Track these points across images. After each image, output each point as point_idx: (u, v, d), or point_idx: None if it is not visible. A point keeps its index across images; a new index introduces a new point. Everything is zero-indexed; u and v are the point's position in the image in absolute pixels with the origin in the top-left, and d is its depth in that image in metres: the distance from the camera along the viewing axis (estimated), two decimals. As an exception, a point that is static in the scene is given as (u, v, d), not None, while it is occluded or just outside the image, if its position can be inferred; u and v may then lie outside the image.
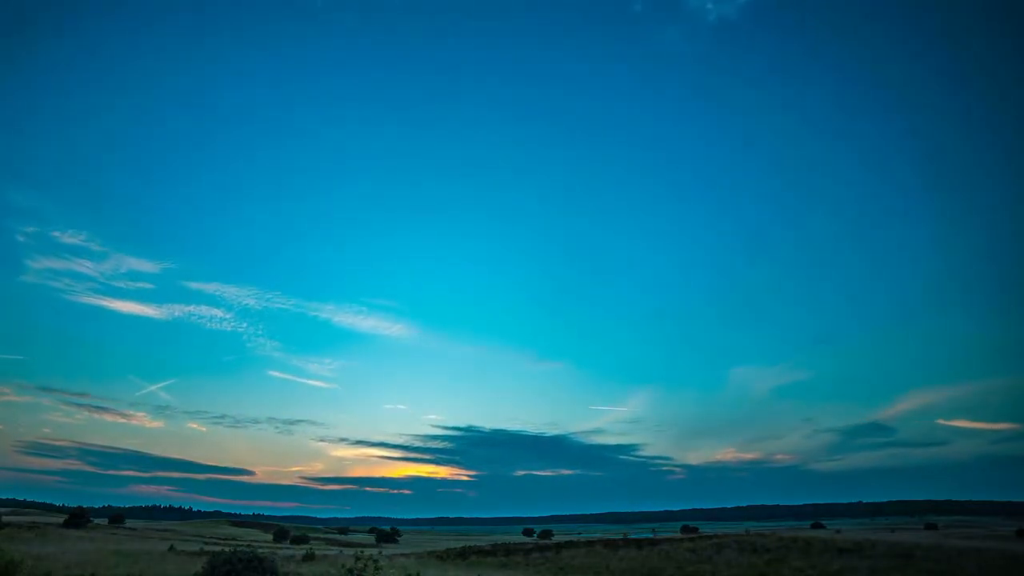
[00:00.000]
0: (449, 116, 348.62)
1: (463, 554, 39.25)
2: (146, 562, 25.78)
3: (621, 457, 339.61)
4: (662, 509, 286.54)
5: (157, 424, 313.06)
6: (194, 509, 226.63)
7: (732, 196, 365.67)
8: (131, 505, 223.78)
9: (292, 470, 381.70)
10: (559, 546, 40.96)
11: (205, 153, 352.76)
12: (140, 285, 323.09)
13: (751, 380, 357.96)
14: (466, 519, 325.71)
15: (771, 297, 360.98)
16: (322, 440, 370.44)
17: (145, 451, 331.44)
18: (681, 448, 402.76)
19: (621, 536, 54.18)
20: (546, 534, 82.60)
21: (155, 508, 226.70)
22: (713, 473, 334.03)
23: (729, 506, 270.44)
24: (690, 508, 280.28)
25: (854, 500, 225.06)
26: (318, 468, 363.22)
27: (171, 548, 35.49)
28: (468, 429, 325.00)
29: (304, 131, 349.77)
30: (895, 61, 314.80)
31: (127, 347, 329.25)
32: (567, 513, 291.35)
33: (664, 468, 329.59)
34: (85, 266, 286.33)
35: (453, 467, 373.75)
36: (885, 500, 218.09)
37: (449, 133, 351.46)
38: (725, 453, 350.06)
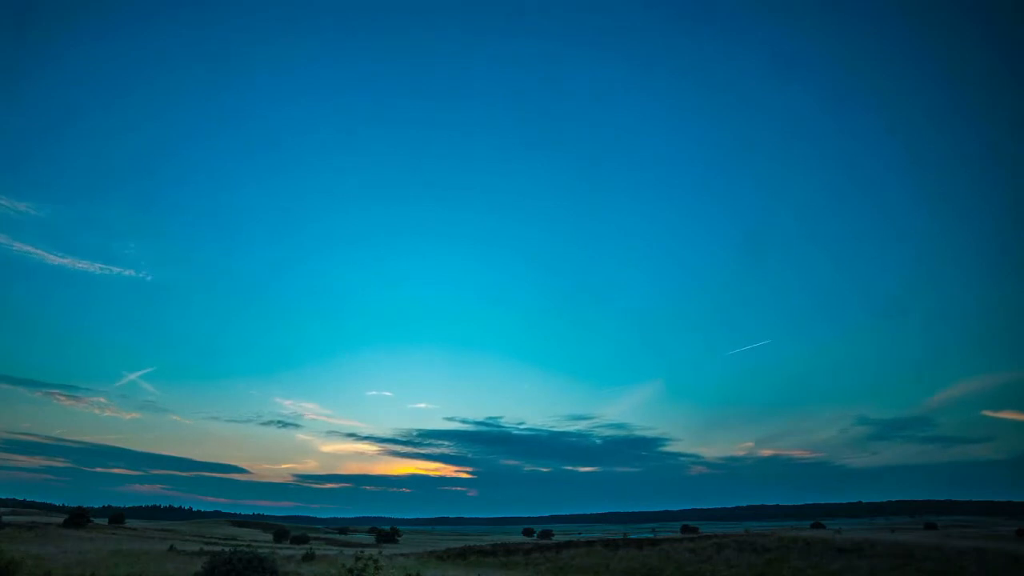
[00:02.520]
0: (445, 111, 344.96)
1: (463, 554, 39.25)
2: (146, 562, 25.80)
3: (638, 454, 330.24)
4: (663, 509, 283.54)
5: (134, 415, 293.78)
6: (193, 509, 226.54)
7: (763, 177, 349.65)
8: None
9: (284, 467, 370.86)
10: (559, 546, 40.97)
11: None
12: (83, 237, 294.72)
13: (778, 369, 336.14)
14: (466, 519, 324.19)
15: (800, 283, 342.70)
16: (312, 434, 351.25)
17: (129, 447, 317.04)
18: (698, 444, 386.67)
19: (621, 536, 54.19)
20: (546, 534, 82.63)
21: (155, 508, 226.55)
22: (729, 470, 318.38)
23: (729, 506, 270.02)
24: (690, 508, 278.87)
25: (854, 500, 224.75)
26: (311, 466, 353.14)
27: (171, 548, 35.51)
28: (465, 422, 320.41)
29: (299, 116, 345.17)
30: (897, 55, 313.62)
31: (91, 322, 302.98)
32: (567, 513, 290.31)
33: (684, 464, 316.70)
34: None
35: (452, 465, 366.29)
36: (885, 500, 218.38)
37: (449, 126, 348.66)
38: (749, 448, 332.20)
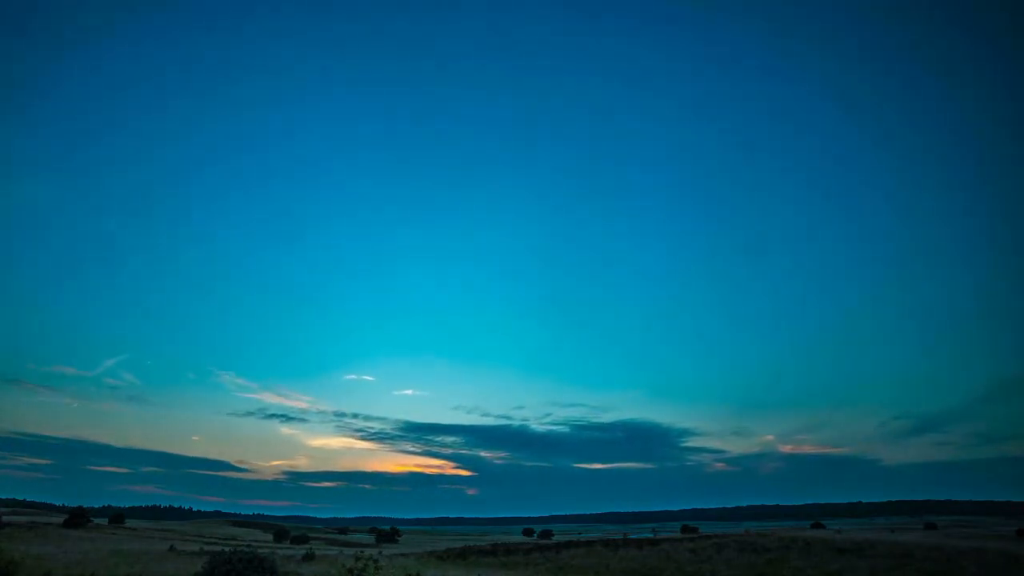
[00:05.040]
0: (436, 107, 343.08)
1: (463, 554, 39.24)
2: (146, 562, 25.80)
3: (656, 449, 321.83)
4: (671, 509, 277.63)
5: (111, 406, 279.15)
6: (193, 509, 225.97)
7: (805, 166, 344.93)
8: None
9: (275, 464, 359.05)
10: (559, 546, 40.99)
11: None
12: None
13: (810, 362, 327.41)
14: (466, 519, 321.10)
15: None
16: (302, 428, 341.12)
17: (110, 442, 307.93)
18: (718, 439, 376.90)
19: (621, 536, 54.18)
20: (546, 534, 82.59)
21: (155, 508, 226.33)
22: (746, 467, 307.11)
23: (729, 506, 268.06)
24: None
25: (855, 500, 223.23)
26: (303, 463, 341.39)
27: (171, 548, 35.53)
28: (460, 411, 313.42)
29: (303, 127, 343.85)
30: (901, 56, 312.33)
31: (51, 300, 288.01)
32: (567, 513, 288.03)
33: (704, 461, 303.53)
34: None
35: (451, 462, 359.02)
36: (884, 500, 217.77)
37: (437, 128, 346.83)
38: (767, 443, 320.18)
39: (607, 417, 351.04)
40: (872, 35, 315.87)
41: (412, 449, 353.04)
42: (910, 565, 27.42)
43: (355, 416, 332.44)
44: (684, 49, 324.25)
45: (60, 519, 59.50)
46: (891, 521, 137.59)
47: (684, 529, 73.97)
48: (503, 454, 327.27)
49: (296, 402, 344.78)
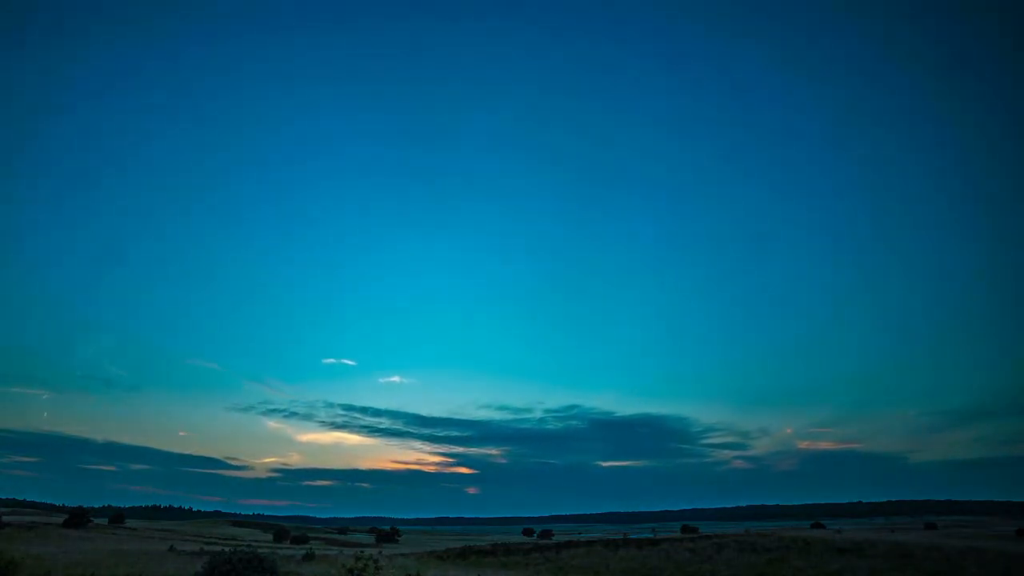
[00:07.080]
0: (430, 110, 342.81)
1: (463, 554, 39.23)
2: (146, 562, 25.79)
3: (673, 446, 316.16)
4: (664, 509, 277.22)
5: (86, 398, 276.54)
6: (194, 509, 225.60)
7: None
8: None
9: (268, 461, 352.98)
10: (559, 546, 40.96)
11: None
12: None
13: (844, 351, 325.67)
14: (466, 519, 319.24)
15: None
16: (297, 424, 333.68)
17: (89, 436, 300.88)
18: (735, 434, 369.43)
19: (621, 536, 54.15)
20: (546, 534, 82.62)
21: (155, 508, 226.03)
22: (762, 464, 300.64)
23: (729, 506, 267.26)
24: (691, 508, 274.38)
25: (855, 500, 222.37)
26: (295, 459, 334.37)
27: (171, 548, 35.53)
28: (468, 407, 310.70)
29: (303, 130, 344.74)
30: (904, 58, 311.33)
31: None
32: (568, 513, 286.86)
33: (723, 459, 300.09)
34: None
35: (452, 459, 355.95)
36: (885, 500, 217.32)
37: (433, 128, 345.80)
38: (786, 437, 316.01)
39: (623, 412, 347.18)
40: (864, 44, 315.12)
41: (410, 445, 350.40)
42: (910, 565, 27.41)
43: (357, 410, 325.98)
44: (677, 50, 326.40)
45: (60, 519, 59.49)
46: (891, 521, 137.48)
47: (684, 529, 73.90)
48: (509, 451, 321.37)
49: (285, 395, 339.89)
